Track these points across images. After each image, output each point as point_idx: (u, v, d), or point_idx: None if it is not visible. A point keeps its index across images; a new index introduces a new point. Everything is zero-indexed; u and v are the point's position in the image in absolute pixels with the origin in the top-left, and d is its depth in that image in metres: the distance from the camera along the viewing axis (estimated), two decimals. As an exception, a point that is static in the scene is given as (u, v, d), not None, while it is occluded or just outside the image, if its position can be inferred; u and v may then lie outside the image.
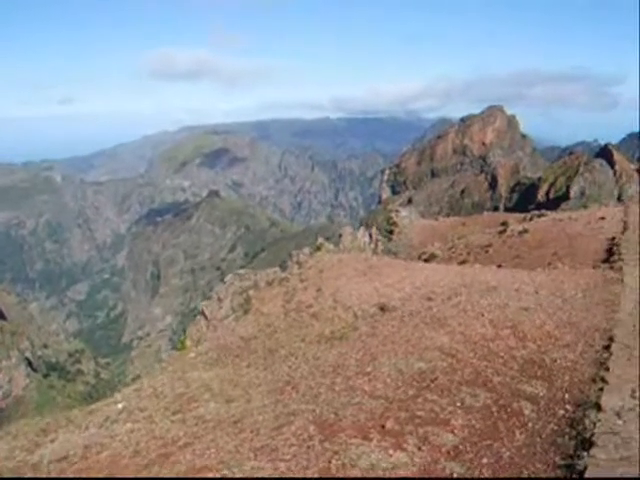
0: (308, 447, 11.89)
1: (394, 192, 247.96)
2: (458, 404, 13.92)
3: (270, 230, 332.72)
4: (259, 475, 10.94)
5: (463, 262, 42.82)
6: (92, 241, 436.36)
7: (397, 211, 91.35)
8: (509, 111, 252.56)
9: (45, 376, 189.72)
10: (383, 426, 12.68)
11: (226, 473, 11.14)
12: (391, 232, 79.01)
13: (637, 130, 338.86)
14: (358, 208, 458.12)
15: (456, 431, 12.55)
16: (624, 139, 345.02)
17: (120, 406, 16.82)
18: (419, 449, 11.77)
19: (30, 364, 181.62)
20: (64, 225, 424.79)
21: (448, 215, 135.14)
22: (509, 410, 13.62)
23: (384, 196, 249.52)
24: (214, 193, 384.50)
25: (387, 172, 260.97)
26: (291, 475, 10.90)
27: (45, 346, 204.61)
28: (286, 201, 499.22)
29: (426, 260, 48.96)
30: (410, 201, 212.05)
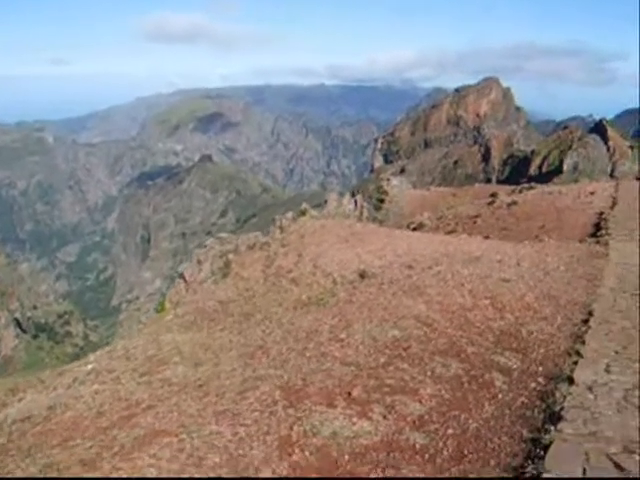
0: (271, 412, 11.66)
1: (387, 161, 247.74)
2: (429, 373, 13.67)
3: (262, 196, 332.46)
4: (217, 439, 10.73)
5: (451, 232, 42.64)
6: (83, 203, 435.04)
7: (388, 180, 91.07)
8: (505, 83, 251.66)
9: (34, 337, 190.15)
10: (350, 393, 12.44)
11: (184, 437, 10.92)
12: (382, 201, 78.95)
13: (633, 106, 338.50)
14: (351, 176, 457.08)
15: (424, 401, 12.31)
16: (619, 115, 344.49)
17: (89, 367, 16.57)
18: (384, 418, 11.54)
19: (19, 325, 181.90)
20: (55, 186, 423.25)
21: (440, 185, 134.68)
22: (480, 381, 13.39)
23: (377, 165, 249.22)
24: (206, 158, 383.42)
25: (380, 141, 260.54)
26: (250, 440, 10.67)
27: (34, 307, 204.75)
28: (279, 167, 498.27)
29: (414, 229, 48.80)
30: (403, 171, 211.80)
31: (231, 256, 29.08)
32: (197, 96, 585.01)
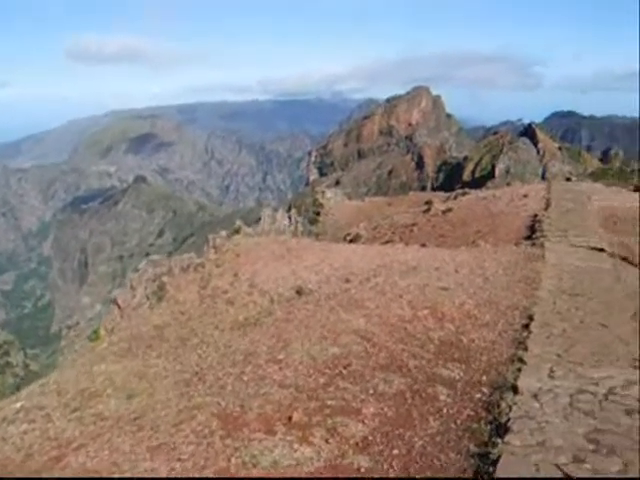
0: (208, 444, 11.13)
1: (322, 174, 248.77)
2: (371, 391, 13.28)
3: (198, 214, 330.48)
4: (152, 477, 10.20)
5: (387, 242, 42.52)
6: (17, 230, 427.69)
7: (323, 193, 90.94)
8: (435, 92, 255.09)
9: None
10: (290, 418, 11.98)
11: (116, 478, 10.39)
12: (318, 214, 78.82)
13: (561, 109, 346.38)
14: (286, 190, 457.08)
15: (367, 420, 11.91)
16: (548, 118, 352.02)
17: (18, 405, 15.82)
18: (326, 442, 11.10)
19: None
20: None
21: (376, 195, 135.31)
22: (424, 395, 13.05)
23: (312, 178, 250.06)
24: (141, 178, 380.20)
25: (314, 154, 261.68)
26: (186, 476, 10.17)
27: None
28: (214, 185, 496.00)
29: (351, 241, 48.61)
30: (338, 182, 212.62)
31: (165, 279, 28.46)
32: (129, 117, 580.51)
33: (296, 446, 10.91)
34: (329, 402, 12.69)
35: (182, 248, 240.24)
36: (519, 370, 13.57)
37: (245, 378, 14.65)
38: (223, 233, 35.43)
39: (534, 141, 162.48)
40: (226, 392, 13.87)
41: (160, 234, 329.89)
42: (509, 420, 10.96)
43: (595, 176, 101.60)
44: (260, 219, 57.08)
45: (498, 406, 11.88)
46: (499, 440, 10.28)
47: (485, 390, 13.16)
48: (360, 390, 13.33)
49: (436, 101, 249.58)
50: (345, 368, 14.64)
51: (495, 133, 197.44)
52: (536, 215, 38.38)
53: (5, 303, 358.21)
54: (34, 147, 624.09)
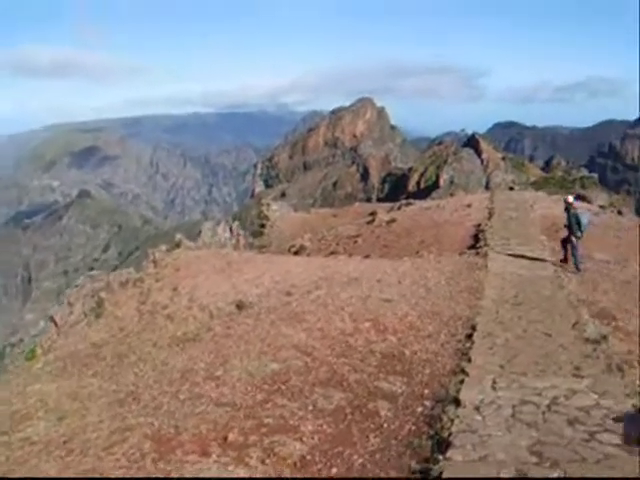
0: (139, 468, 10.66)
1: (267, 186, 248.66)
2: (310, 408, 12.92)
3: (143, 228, 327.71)
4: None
5: (332, 253, 42.31)
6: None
7: (268, 205, 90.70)
8: (379, 103, 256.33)
9: None
10: (226, 438, 11.56)
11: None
12: (263, 226, 78.61)
13: (503, 120, 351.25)
14: (232, 203, 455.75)
15: (305, 439, 11.54)
16: (491, 129, 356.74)
17: (-56, 429, 15.16)
18: (263, 462, 10.71)
19: None
20: None
21: (322, 207, 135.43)
22: (364, 411, 12.72)
23: (257, 190, 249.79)
24: (85, 193, 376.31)
25: (259, 166, 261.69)
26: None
27: None
28: (159, 198, 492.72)
29: (295, 253, 48.34)
30: (284, 194, 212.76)
31: (103, 295, 27.79)
32: (71, 130, 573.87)
33: (231, 468, 10.52)
34: (266, 420, 12.30)
35: (127, 262, 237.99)
36: (462, 382, 13.33)
37: (181, 397, 14.22)
38: (163, 247, 34.88)
39: (478, 151, 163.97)
40: (161, 412, 13.43)
41: (105, 249, 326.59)
42: (451, 434, 10.70)
43: (538, 185, 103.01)
44: (198, 233, 56.53)
45: (440, 420, 11.61)
46: (440, 456, 10.00)
47: (427, 403, 12.89)
48: (299, 407, 12.97)
49: (380, 112, 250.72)
50: (284, 384, 14.28)
51: (439, 144, 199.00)
52: (479, 224, 38.49)
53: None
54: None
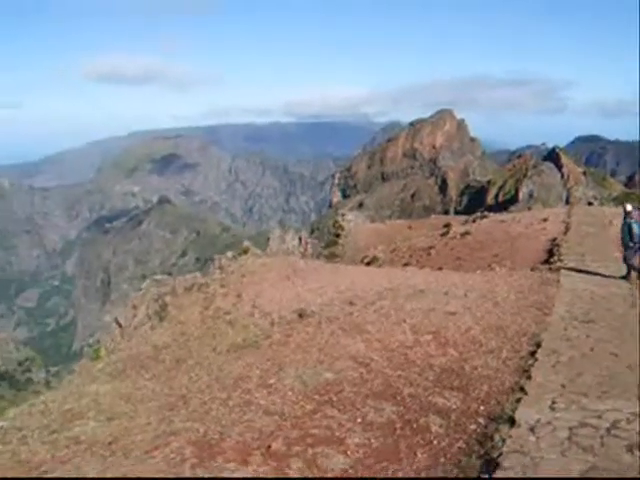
0: (176, 473, 10.49)
1: (345, 196, 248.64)
2: (359, 420, 12.58)
3: (222, 235, 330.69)
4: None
5: (405, 265, 42.05)
6: (41, 248, 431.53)
7: (343, 215, 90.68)
8: (459, 115, 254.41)
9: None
10: (269, 447, 11.32)
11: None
12: (337, 236, 78.54)
13: (585, 133, 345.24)
14: (310, 212, 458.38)
15: (350, 452, 11.21)
16: (572, 142, 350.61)
17: (-1, 425, 15.30)
18: (302, 473, 10.43)
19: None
20: (12, 232, 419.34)
21: (399, 218, 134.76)
22: (415, 426, 12.32)
23: (335, 200, 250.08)
24: (165, 199, 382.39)
25: (338, 176, 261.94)
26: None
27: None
28: (237, 206, 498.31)
29: (368, 263, 48.20)
30: (361, 205, 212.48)
31: (168, 299, 27.95)
32: (152, 138, 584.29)
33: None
34: (313, 431, 12.02)
35: (205, 268, 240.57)
36: (519, 400, 12.83)
37: (231, 403, 14.06)
38: (229, 253, 34.98)
39: (558, 165, 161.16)
40: (208, 418, 13.28)
41: (183, 254, 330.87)
42: (501, 455, 10.24)
43: (618, 200, 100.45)
44: (266, 240, 56.65)
45: (492, 439, 11.15)
46: (486, 477, 9.57)
47: (481, 421, 12.42)
48: (348, 419, 12.66)
49: (460, 124, 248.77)
50: (336, 395, 14.00)
51: (519, 157, 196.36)
52: (555, 239, 37.66)
53: (28, 320, 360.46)
54: (53, 167, 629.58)
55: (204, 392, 15.39)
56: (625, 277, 26.82)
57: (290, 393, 14.30)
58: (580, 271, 28.37)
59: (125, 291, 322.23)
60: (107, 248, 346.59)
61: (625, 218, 27.13)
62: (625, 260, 26.91)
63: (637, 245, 26.61)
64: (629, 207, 27.93)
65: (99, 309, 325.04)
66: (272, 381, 15.26)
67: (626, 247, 26.82)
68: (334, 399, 13.77)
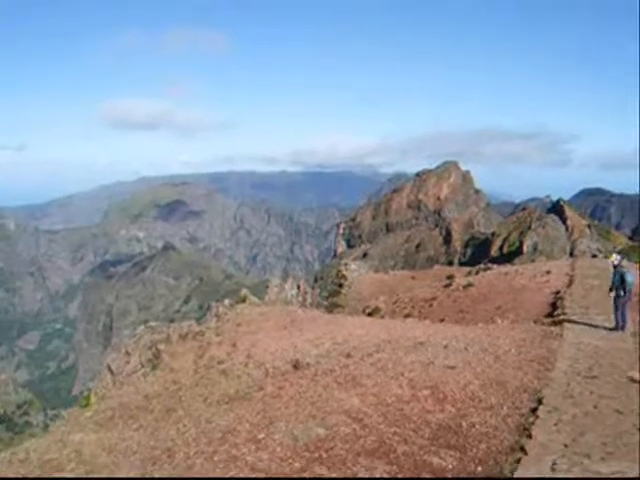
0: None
1: (349, 246, 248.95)
2: (349, 480, 11.99)
3: (225, 282, 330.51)
4: None
5: (407, 316, 41.62)
6: (45, 290, 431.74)
7: (347, 264, 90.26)
8: (464, 167, 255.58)
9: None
10: (252, 508, 10.74)
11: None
12: (340, 285, 78.12)
13: (589, 186, 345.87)
14: (314, 262, 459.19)
15: (336, 514, 10.64)
16: (577, 195, 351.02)
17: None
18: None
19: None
20: (16, 273, 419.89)
21: (403, 269, 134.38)
22: (407, 487, 11.74)
23: (339, 250, 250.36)
24: (169, 245, 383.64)
25: (342, 226, 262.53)
26: None
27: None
28: (242, 254, 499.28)
29: (369, 314, 47.72)
30: (365, 255, 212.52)
31: (162, 346, 27.38)
32: (159, 184, 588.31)
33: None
34: (301, 489, 11.44)
35: (207, 316, 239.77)
36: (518, 461, 12.25)
37: (216, 458, 13.49)
38: (226, 301, 34.48)
39: (562, 218, 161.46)
40: (192, 473, 12.75)
41: (186, 300, 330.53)
42: (498, 520, 9.66)
43: (623, 253, 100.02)
44: (265, 289, 56.14)
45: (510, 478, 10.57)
46: None
47: (478, 483, 11.82)
48: (337, 478, 12.04)
49: (465, 176, 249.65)
50: (327, 452, 13.41)
51: (523, 209, 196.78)
52: (558, 292, 37.17)
53: (29, 363, 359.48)
54: (60, 210, 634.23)
55: (190, 445, 14.81)
56: (615, 328, 26.52)
57: (279, 449, 13.72)
58: (584, 324, 27.84)
59: (127, 336, 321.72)
60: (110, 292, 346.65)
61: (616, 268, 27.02)
62: (615, 309, 26.65)
63: (627, 295, 26.45)
64: (614, 258, 27.94)
65: (100, 353, 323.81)
66: (261, 436, 14.68)
67: (617, 296, 26.57)
68: (324, 456, 13.19)
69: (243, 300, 36.04)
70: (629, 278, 26.57)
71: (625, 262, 27.55)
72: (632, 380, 18.62)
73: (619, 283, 26.63)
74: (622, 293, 26.49)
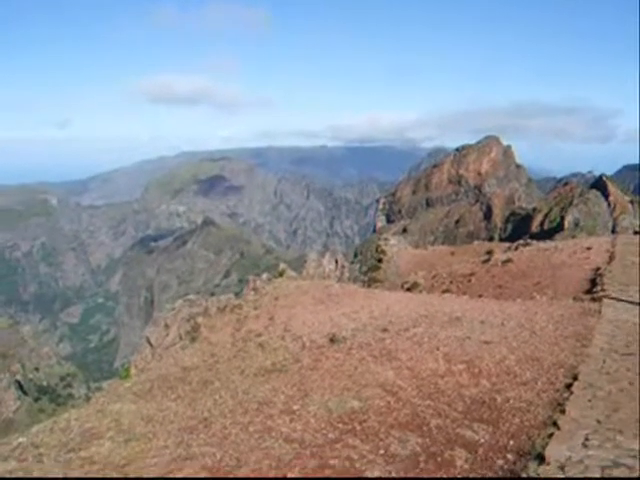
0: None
1: (389, 221, 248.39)
2: (381, 451, 12.10)
3: (265, 257, 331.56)
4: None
5: (445, 291, 41.49)
6: (86, 265, 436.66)
7: (386, 240, 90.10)
8: (505, 142, 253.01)
9: (36, 399, 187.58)
10: (284, 477, 10.89)
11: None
12: (380, 260, 78.02)
13: (633, 162, 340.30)
14: (354, 237, 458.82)
15: (368, 485, 10.76)
16: (619, 171, 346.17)
17: (18, 441, 15.09)
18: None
19: (21, 387, 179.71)
20: (58, 248, 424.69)
21: (443, 244, 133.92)
22: (439, 460, 11.80)
23: (379, 225, 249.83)
24: (209, 220, 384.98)
25: (382, 201, 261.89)
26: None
27: (36, 369, 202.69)
28: (281, 229, 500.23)
29: (408, 289, 47.60)
30: (405, 230, 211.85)
31: (200, 319, 27.65)
32: (199, 159, 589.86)
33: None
34: (332, 461, 11.57)
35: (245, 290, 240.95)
36: (550, 436, 12.23)
37: (251, 429, 13.68)
38: (264, 275, 34.68)
39: (605, 194, 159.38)
40: (227, 442, 12.92)
41: (226, 275, 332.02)
42: (526, 495, 9.71)
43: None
44: (303, 263, 56.19)
45: (519, 477, 10.59)
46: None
47: (510, 457, 11.88)
48: (370, 449, 12.18)
49: (506, 151, 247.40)
50: (360, 424, 13.54)
51: (565, 185, 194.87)
52: (598, 268, 36.84)
53: (71, 336, 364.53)
54: (102, 186, 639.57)
55: (226, 416, 15.03)
56: None
57: (313, 420, 13.88)
58: (623, 301, 27.64)
59: (166, 310, 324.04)
60: (151, 267, 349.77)
61: None
62: None
63: None
64: None
65: (141, 327, 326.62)
66: (296, 407, 14.86)
67: None
68: (358, 428, 13.32)
69: (281, 274, 36.22)
70: None
71: None
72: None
73: None
74: None
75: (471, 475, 11.21)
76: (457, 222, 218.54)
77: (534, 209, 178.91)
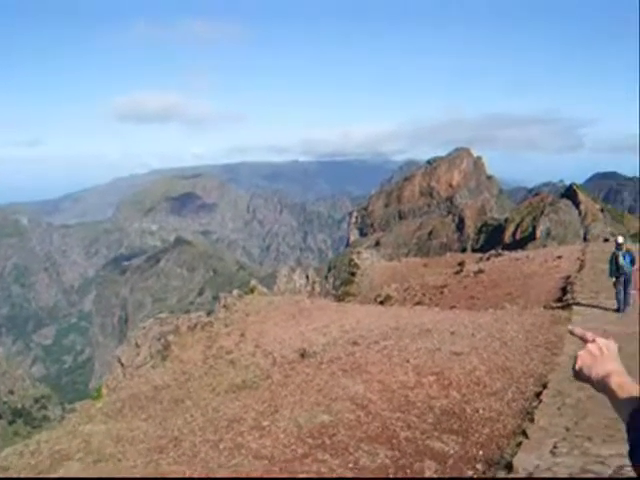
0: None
1: (362, 234, 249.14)
2: (350, 465, 12.10)
3: (238, 274, 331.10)
4: None
5: (417, 303, 41.71)
6: (59, 285, 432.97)
7: (359, 253, 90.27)
8: (476, 153, 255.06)
9: (10, 423, 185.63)
10: (253, 494, 10.89)
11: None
12: (352, 274, 78.22)
13: (602, 170, 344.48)
14: (327, 251, 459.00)
15: (337, 499, 10.77)
16: (590, 179, 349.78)
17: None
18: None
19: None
20: (31, 269, 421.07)
21: (416, 256, 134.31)
22: (408, 472, 11.83)
23: (352, 239, 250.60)
24: (182, 237, 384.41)
25: (355, 215, 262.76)
26: None
27: (11, 392, 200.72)
28: (255, 244, 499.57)
29: (381, 302, 47.79)
30: (378, 243, 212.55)
31: (171, 338, 27.59)
32: (172, 176, 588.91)
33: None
34: (301, 476, 11.56)
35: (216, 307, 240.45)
36: (519, 445, 12.31)
37: (221, 446, 13.63)
38: (235, 292, 34.68)
39: (576, 202, 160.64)
40: (196, 460, 12.88)
41: (200, 292, 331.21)
42: (494, 504, 9.76)
43: (637, 237, 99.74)
44: (274, 279, 56.37)
45: (484, 481, 10.66)
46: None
47: (479, 467, 11.93)
48: (339, 463, 12.18)
49: (477, 162, 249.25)
50: (330, 438, 13.53)
51: (536, 195, 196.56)
52: (569, 277, 37.21)
53: (45, 358, 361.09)
54: (74, 205, 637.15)
55: (196, 434, 14.98)
56: (617, 310, 26.76)
57: (282, 436, 13.86)
58: (593, 308, 27.90)
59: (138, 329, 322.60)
60: (125, 286, 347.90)
61: (616, 249, 27.32)
62: (617, 292, 26.94)
63: (623, 277, 26.68)
64: (620, 239, 28.30)
65: (116, 347, 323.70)
66: (266, 423, 14.83)
67: (617, 279, 26.90)
68: (327, 442, 13.31)
69: (252, 291, 36.23)
70: (621, 260, 26.85)
71: (630, 244, 27.72)
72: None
73: (615, 266, 26.97)
74: (614, 275, 26.90)
75: (440, 486, 11.25)
76: (430, 234, 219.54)
77: (506, 219, 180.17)
